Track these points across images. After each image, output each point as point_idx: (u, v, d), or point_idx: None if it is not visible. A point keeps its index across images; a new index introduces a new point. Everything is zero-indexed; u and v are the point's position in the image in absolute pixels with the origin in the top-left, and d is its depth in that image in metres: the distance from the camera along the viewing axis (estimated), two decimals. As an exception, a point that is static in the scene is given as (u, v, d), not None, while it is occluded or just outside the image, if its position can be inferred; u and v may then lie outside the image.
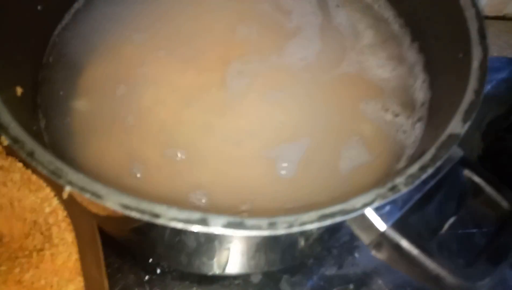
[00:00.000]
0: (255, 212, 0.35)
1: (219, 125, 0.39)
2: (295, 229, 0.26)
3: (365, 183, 0.37)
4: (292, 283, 0.49)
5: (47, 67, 0.41)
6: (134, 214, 0.25)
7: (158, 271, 0.47)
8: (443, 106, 0.38)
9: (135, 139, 0.38)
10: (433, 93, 0.42)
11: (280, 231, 0.26)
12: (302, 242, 0.41)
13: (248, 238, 0.33)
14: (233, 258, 0.41)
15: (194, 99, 0.40)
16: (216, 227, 0.26)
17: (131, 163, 0.37)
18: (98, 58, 0.42)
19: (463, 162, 0.33)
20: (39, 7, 0.40)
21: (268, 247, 0.40)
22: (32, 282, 0.41)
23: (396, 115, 0.42)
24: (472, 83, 0.33)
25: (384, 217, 0.31)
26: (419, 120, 0.41)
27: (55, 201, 0.43)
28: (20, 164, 0.44)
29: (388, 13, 0.48)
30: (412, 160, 0.36)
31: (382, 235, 0.31)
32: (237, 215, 0.26)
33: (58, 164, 0.26)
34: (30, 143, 0.27)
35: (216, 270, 0.44)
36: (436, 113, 0.40)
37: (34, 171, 0.44)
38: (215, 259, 0.41)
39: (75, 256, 0.42)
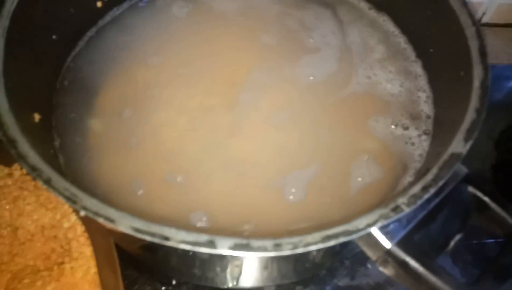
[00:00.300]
0: (257, 234, 0.36)
1: (224, 151, 0.40)
2: (300, 250, 0.27)
3: (375, 200, 0.37)
4: (305, 294, 0.49)
5: (62, 91, 0.43)
6: (145, 237, 0.27)
7: (174, 282, 0.48)
8: (446, 123, 0.38)
9: (141, 158, 0.40)
10: (437, 109, 0.43)
11: (285, 252, 0.27)
12: (314, 255, 0.42)
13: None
14: (246, 272, 0.42)
15: (202, 122, 0.41)
16: (223, 249, 0.27)
17: (134, 182, 0.39)
18: (109, 82, 0.44)
19: (468, 179, 0.33)
20: (54, 37, 0.42)
21: (281, 261, 0.41)
22: (53, 295, 0.42)
23: (406, 128, 0.42)
24: (474, 102, 0.34)
25: (389, 235, 0.31)
26: (425, 133, 0.41)
27: (73, 217, 0.45)
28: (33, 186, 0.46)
29: (393, 28, 0.49)
30: (418, 175, 0.36)
31: (388, 252, 0.31)
32: (243, 237, 0.27)
33: (73, 190, 0.28)
34: (47, 171, 0.28)
35: (229, 284, 0.45)
36: (440, 129, 0.40)
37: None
38: (228, 273, 0.42)
39: (93, 269, 0.44)
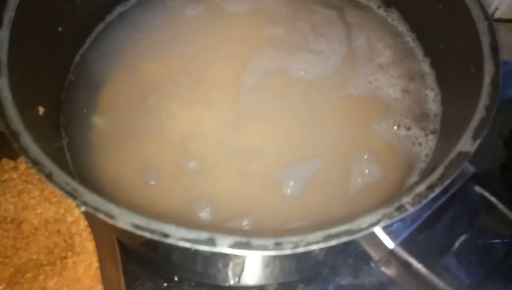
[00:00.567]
0: (257, 226, 0.36)
1: (230, 141, 0.40)
2: (301, 250, 0.27)
3: (377, 200, 0.37)
4: (307, 292, 0.49)
5: (70, 87, 0.43)
6: (144, 234, 0.27)
7: (176, 278, 0.48)
8: (454, 121, 0.37)
9: (151, 150, 0.40)
10: (445, 107, 0.42)
11: (286, 251, 0.27)
12: (317, 253, 0.42)
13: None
14: (248, 270, 0.42)
15: (207, 114, 0.41)
16: (223, 247, 0.27)
17: (146, 172, 0.39)
18: (117, 77, 0.44)
19: (475, 179, 0.33)
20: (60, 29, 0.41)
21: (283, 259, 0.41)
22: (55, 289, 0.42)
23: (409, 129, 0.42)
24: (483, 99, 0.33)
25: (392, 235, 0.31)
26: (432, 132, 0.41)
27: (77, 212, 0.45)
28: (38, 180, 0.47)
29: (402, 27, 0.48)
30: (424, 174, 0.36)
31: (391, 252, 0.31)
32: (243, 235, 0.27)
33: (74, 185, 0.27)
34: (48, 165, 0.28)
35: (231, 281, 0.45)
36: (448, 127, 0.39)
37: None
38: (230, 271, 0.42)
39: (95, 264, 0.44)
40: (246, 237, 0.27)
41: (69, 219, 0.45)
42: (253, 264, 0.41)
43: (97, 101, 0.42)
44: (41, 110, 0.36)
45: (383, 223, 0.28)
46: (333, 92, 0.43)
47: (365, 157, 0.39)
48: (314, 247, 0.27)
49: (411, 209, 0.28)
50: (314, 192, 0.37)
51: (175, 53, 0.46)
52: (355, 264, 0.50)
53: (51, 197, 0.45)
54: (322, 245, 0.27)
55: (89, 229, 0.45)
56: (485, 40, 0.36)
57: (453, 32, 0.40)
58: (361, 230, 0.28)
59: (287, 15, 0.49)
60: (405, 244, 0.31)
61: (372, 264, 0.50)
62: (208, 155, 0.39)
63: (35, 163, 0.28)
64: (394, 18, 0.49)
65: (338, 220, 0.28)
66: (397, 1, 0.49)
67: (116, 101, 0.42)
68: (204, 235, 0.27)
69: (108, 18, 0.49)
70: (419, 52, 0.47)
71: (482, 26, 0.36)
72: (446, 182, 0.29)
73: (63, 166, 0.35)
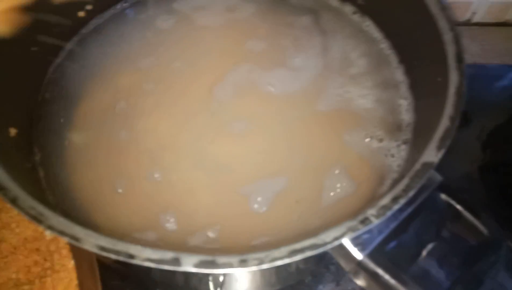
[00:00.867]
0: (223, 238, 0.36)
1: (199, 154, 0.40)
2: (266, 266, 0.27)
3: (349, 213, 0.37)
4: (290, 300, 0.49)
5: (43, 103, 0.43)
6: (110, 255, 0.27)
7: (158, 292, 0.49)
8: (423, 131, 0.38)
9: (122, 160, 0.41)
10: (416, 116, 0.42)
11: (251, 268, 0.27)
12: (298, 263, 0.42)
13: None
14: (229, 281, 0.42)
15: (178, 127, 0.42)
16: (188, 267, 0.27)
17: (116, 181, 0.39)
18: (91, 92, 0.44)
19: (442, 188, 0.33)
20: (34, 49, 0.42)
21: (264, 270, 0.41)
22: (35, 307, 0.43)
23: (381, 140, 0.42)
24: (448, 109, 0.33)
25: (360, 247, 0.31)
26: (404, 142, 0.41)
27: (55, 230, 0.45)
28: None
29: (377, 34, 0.48)
30: (394, 184, 0.36)
31: (359, 264, 0.31)
32: (208, 254, 0.27)
33: (40, 209, 0.28)
34: (14, 190, 0.28)
35: (212, 294, 0.45)
36: (418, 137, 0.40)
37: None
38: (210, 284, 0.42)
39: (75, 282, 0.44)
40: (211, 256, 0.27)
41: (48, 237, 0.45)
42: (233, 275, 0.42)
43: (70, 115, 0.43)
44: (12, 131, 0.36)
45: (347, 236, 0.28)
46: (305, 107, 0.43)
47: (337, 172, 0.39)
48: (279, 262, 0.27)
49: (375, 222, 0.29)
50: (283, 208, 0.37)
51: (147, 65, 0.46)
52: (337, 272, 0.51)
53: (29, 216, 0.45)
54: (287, 260, 0.27)
55: (68, 247, 0.45)
56: (450, 50, 0.36)
57: (422, 42, 0.41)
58: (325, 244, 0.28)
59: (261, 27, 0.49)
60: (373, 255, 0.31)
61: (351, 275, 0.50)
62: (175, 166, 0.40)
63: (0, 188, 0.28)
64: (369, 25, 0.49)
65: (303, 234, 0.28)
66: (371, 9, 0.50)
67: (90, 114, 0.43)
68: (169, 255, 0.27)
69: (83, 31, 0.49)
70: (393, 60, 0.47)
71: (447, 37, 0.37)
72: (411, 193, 0.30)
73: (35, 183, 0.36)
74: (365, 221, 0.29)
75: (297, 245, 0.28)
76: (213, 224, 0.37)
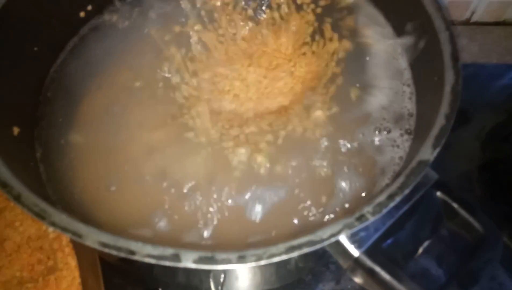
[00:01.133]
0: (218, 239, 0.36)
1: (195, 158, 0.40)
2: (264, 262, 0.28)
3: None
4: (290, 299, 0.50)
5: (45, 102, 0.44)
6: (112, 251, 0.27)
7: (160, 290, 0.49)
8: (422, 129, 0.38)
9: (118, 159, 0.41)
10: (418, 111, 0.43)
11: (250, 264, 0.28)
12: (296, 260, 0.42)
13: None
14: (229, 279, 0.43)
15: (173, 129, 0.42)
16: (187, 262, 0.27)
17: (109, 179, 0.40)
18: (92, 89, 0.44)
19: (438, 185, 0.34)
20: (35, 49, 0.42)
21: (263, 267, 0.41)
22: (38, 305, 0.43)
23: (389, 132, 0.42)
24: (444, 108, 0.34)
25: (357, 244, 0.32)
26: (407, 132, 0.41)
27: (58, 228, 0.46)
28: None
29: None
30: (395, 177, 0.36)
31: (356, 261, 0.32)
32: (207, 250, 0.28)
33: (43, 206, 0.28)
34: (17, 187, 0.29)
35: (213, 292, 0.46)
36: (418, 133, 0.40)
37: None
38: (211, 281, 0.43)
39: (78, 280, 0.44)
40: (210, 252, 0.28)
41: (51, 235, 0.46)
42: (233, 273, 0.42)
43: (70, 115, 0.43)
44: (16, 130, 0.37)
45: (344, 233, 0.29)
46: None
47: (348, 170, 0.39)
48: (276, 259, 0.28)
49: (371, 219, 0.29)
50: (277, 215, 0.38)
51: (149, 63, 0.46)
52: (337, 270, 0.51)
53: (33, 215, 0.46)
54: (284, 256, 0.28)
55: (71, 245, 0.46)
56: (446, 49, 0.37)
57: (421, 39, 0.41)
58: (322, 240, 0.29)
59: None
60: (370, 252, 0.31)
61: (348, 273, 0.51)
62: (169, 169, 0.40)
63: (4, 185, 0.29)
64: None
65: (300, 231, 0.29)
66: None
67: (88, 114, 0.43)
68: (169, 251, 0.28)
69: (82, 32, 0.49)
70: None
71: (443, 36, 0.37)
72: (406, 191, 0.30)
73: (36, 180, 0.37)
74: (361, 218, 0.29)
75: (295, 242, 0.28)
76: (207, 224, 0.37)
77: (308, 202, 0.38)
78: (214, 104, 0.44)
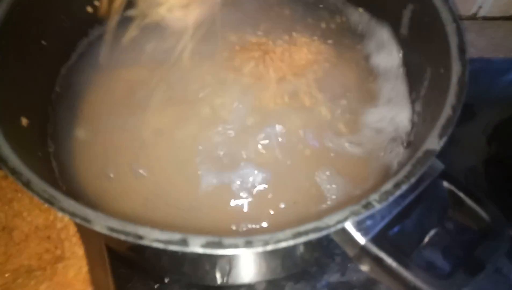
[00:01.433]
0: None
1: (190, 155, 0.41)
2: (270, 247, 0.28)
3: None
4: (295, 290, 0.50)
5: (56, 98, 0.44)
6: (120, 236, 0.28)
7: (166, 280, 0.49)
8: (427, 120, 0.38)
9: (117, 150, 0.42)
10: (423, 103, 0.43)
11: (256, 249, 0.28)
12: (301, 250, 0.43)
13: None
14: (235, 269, 0.43)
15: (176, 125, 0.43)
16: (195, 247, 0.28)
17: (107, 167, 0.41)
18: (102, 85, 0.45)
19: (444, 176, 0.34)
20: (44, 43, 0.43)
21: (269, 256, 0.42)
22: (46, 293, 0.44)
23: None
24: (450, 99, 0.34)
25: (363, 232, 0.32)
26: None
27: (66, 218, 0.46)
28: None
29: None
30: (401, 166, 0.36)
31: (362, 248, 0.32)
32: (214, 235, 0.28)
33: (51, 192, 0.29)
34: (27, 174, 0.29)
35: (220, 281, 0.46)
36: (424, 123, 0.40)
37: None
38: (217, 271, 0.43)
39: (85, 268, 0.45)
40: (218, 237, 0.28)
41: (59, 225, 0.46)
42: (238, 262, 0.42)
43: (78, 112, 0.44)
44: (24, 121, 0.37)
45: (350, 220, 0.29)
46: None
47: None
48: (283, 244, 0.28)
49: (378, 206, 0.29)
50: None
51: (159, 61, 0.47)
52: (342, 262, 0.51)
53: (41, 205, 0.46)
54: (291, 242, 0.28)
55: (78, 235, 0.46)
56: (453, 41, 0.37)
57: (425, 34, 0.41)
58: (329, 227, 0.29)
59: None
60: (376, 240, 0.32)
61: (355, 261, 0.51)
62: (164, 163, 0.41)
63: (13, 172, 0.29)
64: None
65: (307, 218, 0.29)
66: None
67: (96, 111, 0.44)
68: (177, 236, 0.28)
69: (92, 34, 0.50)
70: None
71: (450, 28, 0.38)
72: (413, 180, 0.30)
73: (48, 173, 0.37)
74: (367, 205, 0.30)
75: (301, 228, 0.29)
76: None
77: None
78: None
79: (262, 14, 0.51)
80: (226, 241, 0.28)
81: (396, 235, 0.32)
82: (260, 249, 0.28)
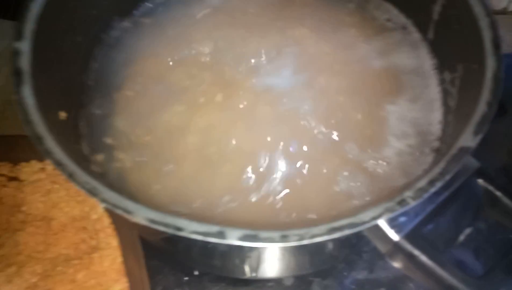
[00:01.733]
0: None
1: (220, 144, 0.42)
2: (306, 242, 0.28)
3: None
4: (323, 286, 0.50)
5: (87, 90, 0.45)
6: (159, 228, 0.29)
7: (196, 272, 0.50)
8: (460, 117, 0.38)
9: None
10: (458, 99, 0.42)
11: (292, 243, 0.29)
12: (330, 246, 0.43)
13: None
14: (264, 263, 0.44)
15: (207, 112, 0.43)
16: (232, 240, 0.28)
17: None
18: (134, 78, 0.46)
19: (479, 173, 0.33)
20: (78, 38, 0.44)
21: (298, 252, 0.42)
22: (84, 281, 0.45)
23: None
24: (485, 95, 0.34)
25: (396, 228, 0.32)
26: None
27: (101, 210, 0.48)
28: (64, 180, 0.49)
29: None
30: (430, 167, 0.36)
31: (396, 245, 0.32)
32: (251, 229, 0.28)
33: (94, 184, 0.30)
34: (70, 166, 0.30)
35: (249, 274, 0.47)
36: (457, 122, 0.40)
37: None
38: (246, 264, 0.44)
39: (119, 259, 0.46)
40: (254, 230, 0.29)
41: (94, 216, 0.48)
42: (268, 257, 0.43)
43: (113, 103, 0.44)
44: (62, 115, 0.38)
45: (385, 217, 0.29)
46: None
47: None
48: (318, 239, 0.29)
49: (412, 203, 0.30)
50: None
51: (196, 53, 0.47)
52: (370, 259, 0.51)
53: (77, 196, 0.48)
54: (326, 237, 0.29)
55: (112, 226, 0.48)
56: (487, 36, 0.36)
57: (457, 29, 0.41)
58: (363, 223, 0.29)
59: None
60: (410, 237, 0.32)
61: (387, 259, 0.51)
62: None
63: (59, 164, 0.30)
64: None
65: (342, 214, 0.29)
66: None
67: (129, 102, 0.44)
68: (214, 228, 0.29)
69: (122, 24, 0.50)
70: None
71: (483, 23, 0.37)
72: (447, 177, 0.30)
73: (84, 166, 0.38)
74: (402, 202, 0.30)
75: (336, 223, 0.29)
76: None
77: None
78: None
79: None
80: (263, 234, 0.28)
81: (430, 232, 0.32)
82: (295, 243, 0.29)
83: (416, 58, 0.46)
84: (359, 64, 0.46)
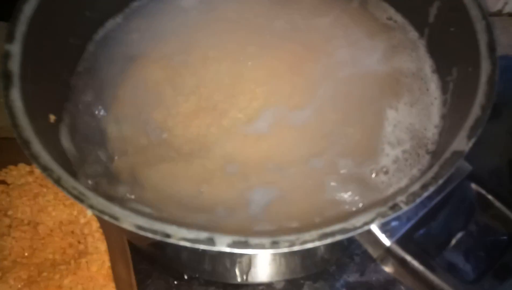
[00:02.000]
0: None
1: (222, 144, 0.41)
2: (297, 248, 0.28)
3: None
4: (314, 289, 0.50)
5: (77, 92, 0.44)
6: (147, 234, 0.28)
7: (186, 277, 0.50)
8: (454, 121, 0.38)
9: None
10: (451, 103, 0.42)
11: (282, 249, 0.28)
12: (322, 250, 0.42)
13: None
14: (255, 268, 0.43)
15: (204, 111, 0.43)
16: (221, 246, 0.28)
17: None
18: (125, 77, 0.45)
19: (472, 177, 0.33)
20: (70, 40, 0.43)
21: (289, 256, 0.42)
22: (70, 287, 0.44)
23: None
24: (479, 99, 0.33)
25: (388, 233, 0.32)
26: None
27: (89, 214, 0.47)
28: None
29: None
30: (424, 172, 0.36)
31: (387, 250, 0.32)
32: (241, 235, 0.28)
33: (81, 189, 0.29)
34: (57, 171, 0.30)
35: (239, 279, 0.46)
36: (450, 126, 0.40)
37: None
38: (237, 269, 0.43)
39: (107, 264, 0.45)
40: (244, 237, 0.28)
41: (82, 221, 0.47)
42: (259, 261, 0.42)
43: (104, 105, 0.44)
44: (52, 118, 0.37)
45: (377, 222, 0.29)
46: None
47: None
48: (309, 245, 0.28)
49: (405, 208, 0.29)
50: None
51: (183, 43, 0.47)
52: (361, 262, 0.51)
53: (65, 200, 0.47)
54: (317, 243, 0.28)
55: (101, 230, 0.47)
56: (482, 39, 0.36)
57: (452, 32, 0.40)
58: (355, 228, 0.29)
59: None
60: (402, 241, 0.31)
61: (378, 261, 0.51)
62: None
63: (45, 169, 0.30)
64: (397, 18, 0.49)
65: (333, 219, 0.29)
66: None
67: (120, 104, 0.44)
68: (203, 235, 0.28)
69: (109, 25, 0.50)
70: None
71: (479, 25, 0.37)
72: (440, 181, 0.30)
73: (72, 171, 0.37)
74: (394, 207, 0.29)
75: (328, 229, 0.28)
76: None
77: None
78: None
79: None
80: (253, 241, 0.28)
81: (422, 237, 0.32)
82: (285, 250, 0.28)
83: (416, 61, 0.45)
84: (360, 66, 0.46)
